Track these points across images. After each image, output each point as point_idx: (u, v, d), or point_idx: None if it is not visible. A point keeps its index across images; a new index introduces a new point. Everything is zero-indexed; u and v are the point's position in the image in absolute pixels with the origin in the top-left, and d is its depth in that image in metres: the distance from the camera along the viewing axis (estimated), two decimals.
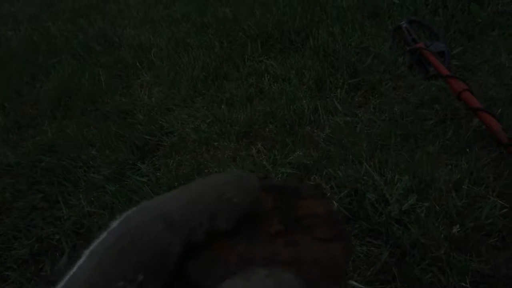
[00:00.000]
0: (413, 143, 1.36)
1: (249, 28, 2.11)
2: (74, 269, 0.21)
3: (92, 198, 1.41)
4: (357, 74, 1.70)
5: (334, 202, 1.13)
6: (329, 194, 1.17)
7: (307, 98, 1.61)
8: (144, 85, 1.97)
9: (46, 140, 1.74)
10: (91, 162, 1.56)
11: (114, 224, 0.24)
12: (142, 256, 0.22)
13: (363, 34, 1.92)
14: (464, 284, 0.96)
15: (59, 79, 2.16)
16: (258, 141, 1.50)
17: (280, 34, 2.03)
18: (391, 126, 1.43)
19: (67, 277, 0.20)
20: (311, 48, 1.89)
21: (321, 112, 1.54)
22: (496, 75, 1.56)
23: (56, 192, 1.47)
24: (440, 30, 1.82)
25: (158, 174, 1.47)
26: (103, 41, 2.41)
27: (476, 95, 1.39)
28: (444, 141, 1.33)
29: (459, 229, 1.06)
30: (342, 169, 1.28)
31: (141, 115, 1.75)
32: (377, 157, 1.31)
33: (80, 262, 0.22)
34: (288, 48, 1.96)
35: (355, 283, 0.99)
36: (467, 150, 1.28)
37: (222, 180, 0.26)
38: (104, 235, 0.23)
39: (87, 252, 0.22)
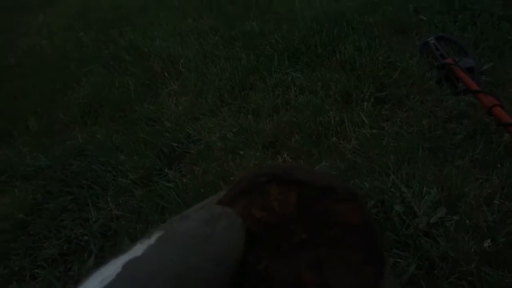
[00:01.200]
0: (442, 157, 1.35)
1: (276, 42, 2.14)
2: None
3: (120, 202, 1.44)
4: (383, 88, 1.70)
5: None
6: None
7: (333, 110, 1.62)
8: (172, 94, 2.02)
9: (77, 144, 1.79)
10: (119, 167, 1.59)
11: None
12: None
13: (390, 49, 1.93)
14: None
15: (90, 87, 2.22)
16: (284, 151, 1.51)
17: (306, 47, 2.06)
18: (419, 139, 1.42)
19: None
20: (338, 61, 1.91)
21: (348, 124, 1.55)
22: None
23: (85, 195, 1.50)
24: (469, 46, 1.81)
25: (184, 180, 1.49)
26: (133, 52, 2.48)
27: (507, 111, 1.37)
28: (474, 156, 1.31)
29: (490, 244, 1.04)
30: (369, 180, 1.28)
31: (168, 123, 1.78)
32: (404, 169, 1.30)
33: None
34: (314, 61, 1.98)
35: None
36: (498, 165, 1.26)
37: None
38: None
39: None
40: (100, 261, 1.29)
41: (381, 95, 1.67)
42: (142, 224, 1.35)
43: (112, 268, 0.28)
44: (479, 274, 0.98)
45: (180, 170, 1.56)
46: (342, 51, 1.94)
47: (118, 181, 1.54)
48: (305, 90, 1.79)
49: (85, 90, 2.21)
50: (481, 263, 1.01)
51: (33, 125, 2.00)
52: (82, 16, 3.30)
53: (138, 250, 0.30)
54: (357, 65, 1.85)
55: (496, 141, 1.34)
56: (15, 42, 3.08)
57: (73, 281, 1.22)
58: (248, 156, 1.52)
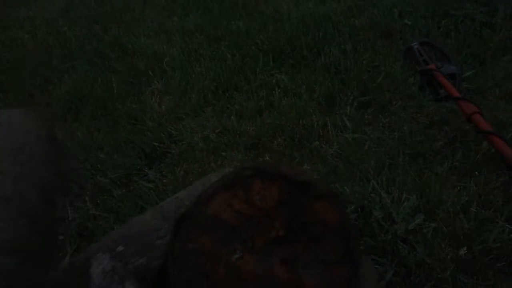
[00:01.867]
0: (421, 163, 1.36)
1: (261, 42, 2.13)
2: None
3: (98, 201, 1.42)
4: (367, 92, 1.70)
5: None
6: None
7: (316, 113, 1.62)
8: (155, 93, 1.99)
9: None
10: (98, 166, 1.57)
11: None
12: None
13: (375, 53, 1.93)
14: None
15: (72, 83, 2.18)
16: (266, 154, 1.50)
17: (292, 49, 2.05)
18: (400, 145, 1.43)
19: None
20: (323, 64, 1.91)
21: (330, 128, 1.55)
22: (506, 99, 1.57)
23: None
24: (452, 53, 1.83)
25: (164, 181, 1.47)
26: (117, 48, 2.45)
27: (486, 118, 1.39)
28: (453, 163, 1.32)
29: (466, 252, 1.05)
30: (349, 185, 1.28)
31: (150, 122, 1.76)
32: (385, 175, 1.31)
33: None
34: (299, 63, 1.98)
35: None
36: (476, 173, 1.28)
37: None
38: None
39: None
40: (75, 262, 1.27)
41: (365, 99, 1.67)
42: (120, 224, 1.33)
43: None
44: (454, 281, 0.99)
45: (161, 171, 1.54)
46: (327, 53, 1.94)
47: (97, 180, 1.51)
48: (289, 93, 1.78)
49: (67, 86, 2.17)
50: (456, 270, 1.02)
51: None
52: (66, 11, 3.23)
53: None
54: (341, 68, 1.85)
55: (475, 148, 1.35)
56: None
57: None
58: (230, 158, 1.51)
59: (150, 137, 1.67)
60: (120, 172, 1.52)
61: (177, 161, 1.55)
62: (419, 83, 1.71)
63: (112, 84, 2.09)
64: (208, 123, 1.70)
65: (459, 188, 1.23)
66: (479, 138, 1.38)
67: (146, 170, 1.53)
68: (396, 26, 2.07)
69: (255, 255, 0.30)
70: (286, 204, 0.33)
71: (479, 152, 1.34)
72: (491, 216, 1.15)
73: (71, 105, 2.01)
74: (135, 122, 1.80)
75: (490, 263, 1.04)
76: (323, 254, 0.31)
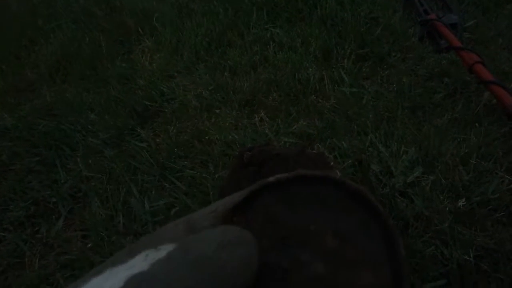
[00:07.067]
0: (421, 116, 1.32)
1: None
2: None
3: (90, 162, 1.38)
4: (365, 44, 1.64)
5: (338, 172, 1.11)
6: (332, 163, 1.15)
7: (313, 67, 1.56)
8: (146, 51, 1.92)
9: (45, 103, 1.70)
10: (89, 127, 1.52)
11: None
12: None
13: (373, 4, 1.85)
14: (467, 258, 0.94)
15: (59, 43, 2.10)
16: (261, 110, 1.46)
17: (287, 2, 1.96)
18: (399, 98, 1.38)
19: None
20: (319, 17, 1.83)
21: (327, 82, 1.50)
22: (509, 49, 1.51)
23: (53, 156, 1.44)
24: (453, 2, 1.75)
25: (157, 140, 1.43)
26: (104, 6, 2.34)
27: (488, 68, 1.34)
28: (453, 115, 1.29)
29: (464, 203, 1.04)
30: (347, 140, 1.25)
31: (141, 81, 1.71)
32: (383, 128, 1.28)
33: None
34: (294, 16, 1.90)
35: None
36: (476, 124, 1.24)
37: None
38: None
39: None
40: (70, 223, 1.25)
41: (362, 52, 1.61)
42: (113, 185, 1.30)
43: (112, 282, 0.24)
44: (452, 232, 0.98)
45: (154, 130, 1.50)
46: (323, 5, 1.86)
47: (88, 141, 1.47)
48: (284, 47, 1.72)
49: (54, 47, 2.09)
50: (454, 222, 1.00)
51: None
52: None
53: (143, 263, 0.25)
54: (338, 21, 1.78)
55: (476, 100, 1.31)
56: None
57: (41, 243, 1.18)
58: (224, 115, 1.47)
59: (141, 96, 1.62)
60: (112, 133, 1.48)
61: (170, 120, 1.50)
62: (419, 34, 1.64)
63: (100, 43, 2.01)
64: (201, 80, 1.65)
65: (458, 140, 1.20)
66: (480, 89, 1.34)
67: (139, 130, 1.49)
68: None
69: None
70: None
71: (480, 103, 1.30)
72: (491, 167, 1.12)
73: (59, 65, 1.93)
74: (126, 82, 1.75)
75: (488, 214, 1.03)
76: None
